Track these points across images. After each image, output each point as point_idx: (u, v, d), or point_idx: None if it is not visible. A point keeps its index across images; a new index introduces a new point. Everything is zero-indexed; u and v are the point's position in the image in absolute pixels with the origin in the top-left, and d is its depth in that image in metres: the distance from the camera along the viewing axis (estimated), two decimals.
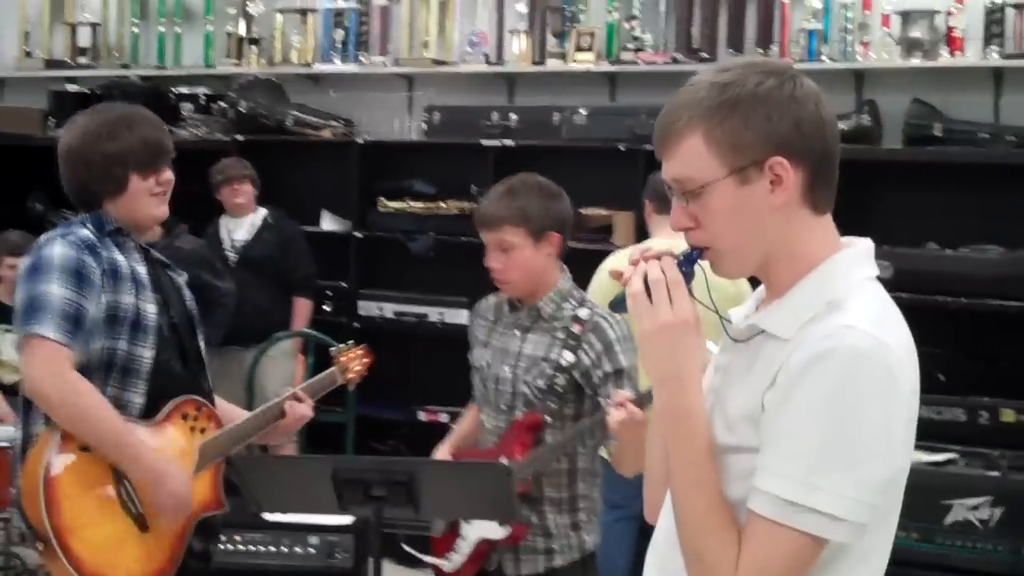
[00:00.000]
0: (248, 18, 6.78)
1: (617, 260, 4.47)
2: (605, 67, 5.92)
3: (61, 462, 2.57)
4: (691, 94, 1.60)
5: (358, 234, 6.20)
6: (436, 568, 3.06)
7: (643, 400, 2.63)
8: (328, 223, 6.33)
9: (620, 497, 4.62)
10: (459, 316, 5.95)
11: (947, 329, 5.14)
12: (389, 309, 6.11)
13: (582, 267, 5.75)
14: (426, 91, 6.41)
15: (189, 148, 6.62)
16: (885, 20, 5.41)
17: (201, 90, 6.80)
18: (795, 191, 1.59)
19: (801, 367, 1.51)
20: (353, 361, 3.18)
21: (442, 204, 6.05)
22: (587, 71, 5.96)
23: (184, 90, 6.84)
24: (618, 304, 1.66)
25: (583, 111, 5.73)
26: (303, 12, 6.64)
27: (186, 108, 6.78)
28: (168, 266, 2.93)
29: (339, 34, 6.52)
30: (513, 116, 5.95)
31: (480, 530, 2.92)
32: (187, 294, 2.92)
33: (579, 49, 5.98)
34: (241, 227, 5.93)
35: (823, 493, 1.47)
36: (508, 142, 5.87)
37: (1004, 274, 5.02)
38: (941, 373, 4.93)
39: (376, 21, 6.50)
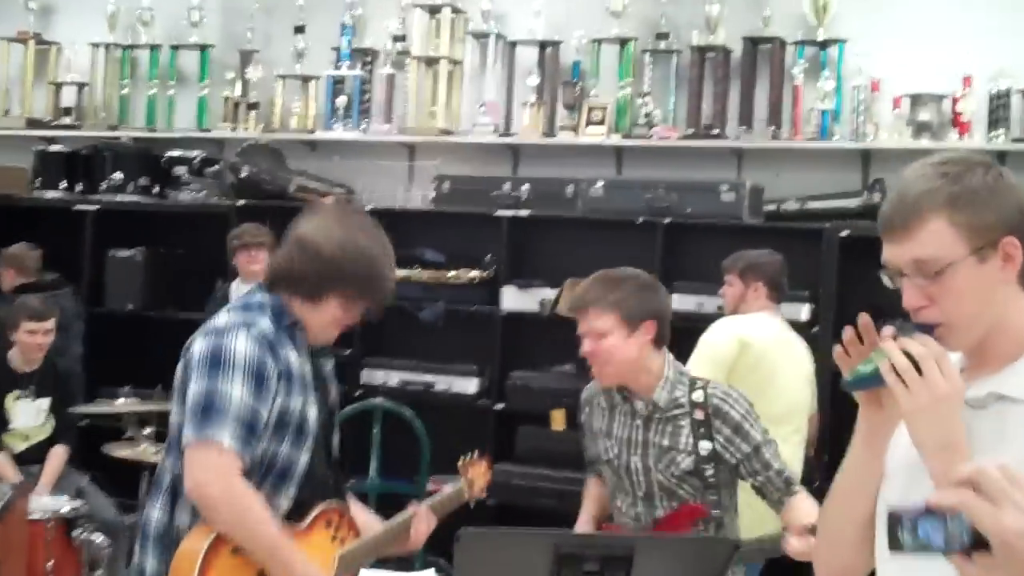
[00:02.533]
0: (246, 83, 6.77)
1: (742, 329, 4.54)
2: (617, 141, 6.04)
3: (215, 564, 2.49)
4: (925, 184, 1.72)
5: None
6: None
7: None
8: None
9: None
10: (469, 385, 5.97)
11: None
12: (395, 377, 6.08)
13: None
14: (429, 160, 6.46)
15: (188, 212, 6.63)
16: (896, 102, 5.62)
17: (196, 153, 6.74)
18: (1020, 267, 1.73)
19: None
20: (479, 476, 3.15)
21: (451, 273, 6.08)
22: (596, 144, 6.07)
23: (177, 153, 6.78)
24: (857, 383, 1.73)
25: (600, 183, 5.82)
26: (304, 79, 6.66)
27: (179, 171, 6.72)
28: (321, 352, 2.79)
29: (341, 100, 6.54)
30: (525, 187, 6.02)
31: None
32: (334, 387, 2.82)
33: (590, 123, 6.09)
34: None
35: None
36: (521, 212, 5.93)
37: None
38: None
39: (380, 89, 6.54)
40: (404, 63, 6.46)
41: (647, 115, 5.98)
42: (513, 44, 6.29)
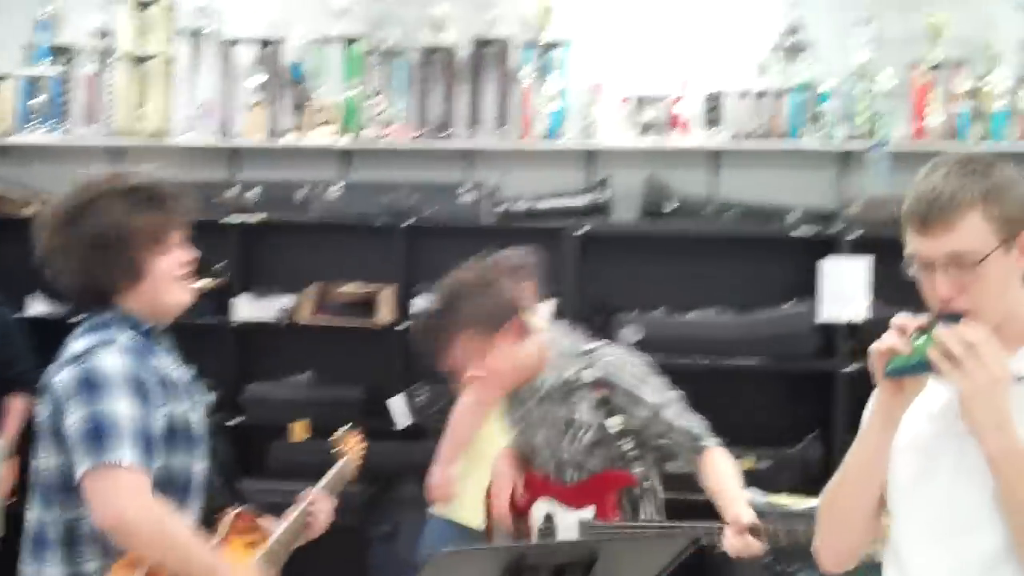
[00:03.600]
0: None
1: None
2: (347, 143, 5.93)
3: None
4: (957, 181, 1.85)
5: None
6: None
7: (757, 529, 2.78)
8: (39, 306, 5.83)
9: None
10: None
11: (690, 387, 5.60)
12: None
13: (349, 343, 5.78)
14: (141, 165, 6.07)
15: None
16: (620, 103, 5.83)
17: None
18: None
19: None
20: (355, 447, 3.11)
21: None
22: (324, 146, 5.94)
23: None
24: (902, 370, 1.86)
25: (335, 186, 5.71)
26: None
27: None
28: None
29: (38, 101, 6.06)
30: (253, 191, 5.81)
31: None
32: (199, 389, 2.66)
33: (317, 124, 5.95)
34: None
35: None
36: (251, 218, 5.72)
37: (736, 336, 5.54)
38: None
39: (82, 89, 6.11)
40: (109, 61, 6.07)
41: (379, 115, 5.91)
42: (231, 42, 6.04)
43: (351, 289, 5.64)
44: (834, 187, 5.81)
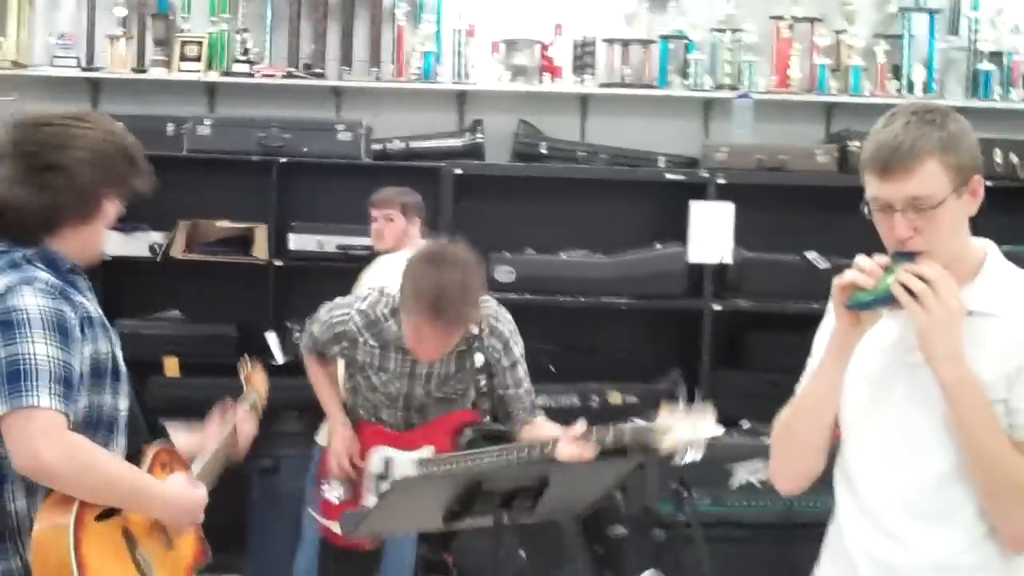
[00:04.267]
0: None
1: None
2: (216, 77, 5.83)
3: (85, 536, 2.24)
4: (917, 131, 1.99)
5: None
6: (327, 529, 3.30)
7: (588, 434, 2.91)
8: None
9: None
10: None
11: (561, 325, 5.77)
12: None
13: (220, 280, 5.70)
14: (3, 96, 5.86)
15: None
16: (493, 47, 5.90)
17: None
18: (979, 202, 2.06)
19: None
20: (262, 381, 3.08)
21: None
22: (191, 81, 5.83)
23: None
24: (864, 304, 2.00)
25: (207, 121, 5.61)
26: None
27: None
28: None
29: None
30: (119, 125, 5.64)
31: None
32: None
33: (184, 59, 5.83)
34: None
35: None
36: None
37: (608, 276, 5.71)
38: (553, 365, 5.54)
39: None
40: None
41: (247, 51, 5.82)
42: None
43: (225, 226, 5.57)
44: (699, 135, 6.02)
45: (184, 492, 2.49)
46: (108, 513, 2.33)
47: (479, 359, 3.14)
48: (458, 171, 5.62)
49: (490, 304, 3.26)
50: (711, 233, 5.55)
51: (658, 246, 5.68)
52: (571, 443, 2.97)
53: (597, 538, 4.16)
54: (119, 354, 2.46)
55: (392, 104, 6.03)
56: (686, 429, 2.78)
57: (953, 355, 1.94)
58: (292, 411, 5.04)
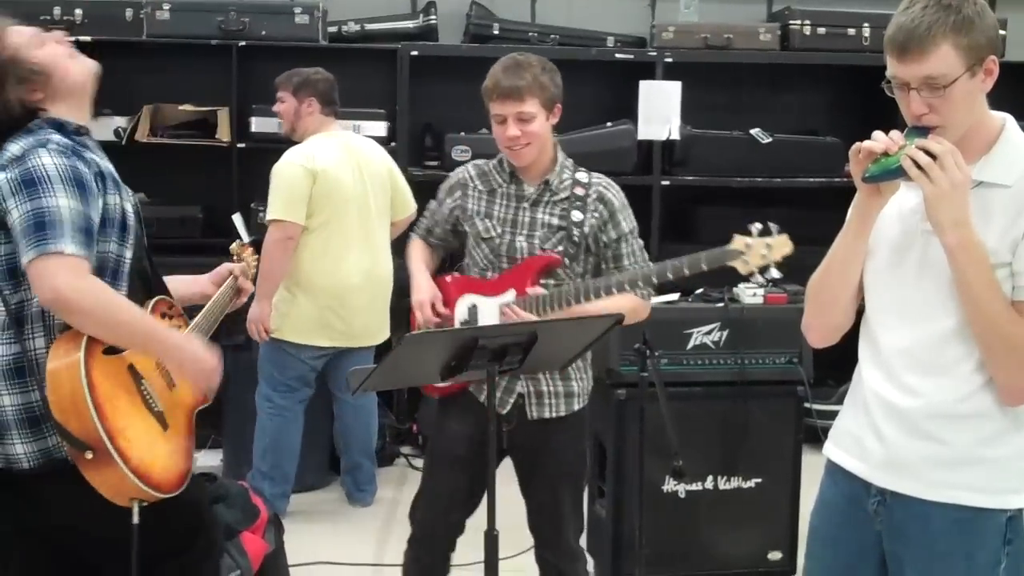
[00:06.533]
0: None
1: (309, 160, 4.70)
2: None
3: (95, 368, 2.49)
4: (934, 14, 2.14)
5: None
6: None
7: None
8: None
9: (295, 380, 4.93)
10: None
11: None
12: None
13: (185, 163, 5.83)
14: None
15: None
16: None
17: None
18: (995, 80, 2.22)
19: None
20: (251, 256, 3.24)
21: None
22: None
23: None
24: (878, 176, 2.18)
25: (166, 6, 5.69)
26: None
27: None
28: None
29: None
30: (78, 11, 5.72)
31: None
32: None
33: None
34: None
35: None
36: (82, 38, 5.64)
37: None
38: None
39: None
40: None
41: None
42: None
43: (188, 109, 5.68)
44: (647, 14, 6.19)
45: (189, 340, 2.73)
46: (114, 350, 2.57)
47: (578, 216, 3.18)
48: (414, 52, 5.77)
49: (603, 176, 3.32)
50: (659, 111, 5.76)
51: (608, 124, 5.89)
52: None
53: None
54: (128, 208, 2.67)
55: None
56: (762, 248, 2.92)
57: (956, 222, 2.10)
58: None
